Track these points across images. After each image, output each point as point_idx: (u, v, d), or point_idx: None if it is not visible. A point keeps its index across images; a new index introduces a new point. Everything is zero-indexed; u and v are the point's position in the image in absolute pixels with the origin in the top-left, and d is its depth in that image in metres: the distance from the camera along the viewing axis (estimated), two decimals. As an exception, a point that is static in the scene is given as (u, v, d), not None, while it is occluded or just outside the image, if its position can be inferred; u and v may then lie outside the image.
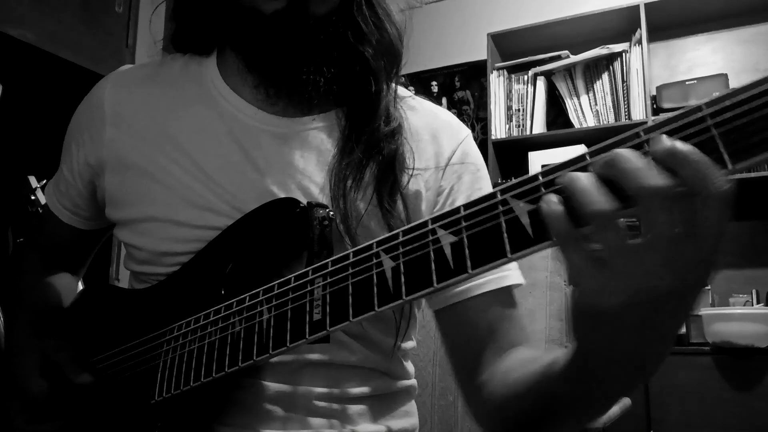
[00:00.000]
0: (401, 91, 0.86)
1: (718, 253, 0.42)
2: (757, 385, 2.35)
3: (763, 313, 2.43)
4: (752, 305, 2.71)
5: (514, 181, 0.46)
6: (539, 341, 1.15)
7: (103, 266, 2.60)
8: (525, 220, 0.44)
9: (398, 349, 0.82)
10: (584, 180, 0.42)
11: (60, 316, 0.90)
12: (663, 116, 0.42)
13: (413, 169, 0.78)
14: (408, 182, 0.77)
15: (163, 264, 0.78)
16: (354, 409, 0.76)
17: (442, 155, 0.82)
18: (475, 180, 0.83)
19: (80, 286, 1.15)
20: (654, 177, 0.39)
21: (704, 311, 2.54)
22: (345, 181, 0.74)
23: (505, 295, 0.79)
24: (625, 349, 0.50)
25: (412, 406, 0.87)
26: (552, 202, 0.42)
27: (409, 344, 0.87)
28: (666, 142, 0.40)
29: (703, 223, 0.40)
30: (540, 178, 0.44)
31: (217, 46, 0.85)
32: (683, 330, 2.57)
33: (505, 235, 0.44)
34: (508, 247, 0.44)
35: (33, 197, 1.48)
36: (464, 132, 0.87)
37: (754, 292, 2.76)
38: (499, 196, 0.46)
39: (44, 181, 0.96)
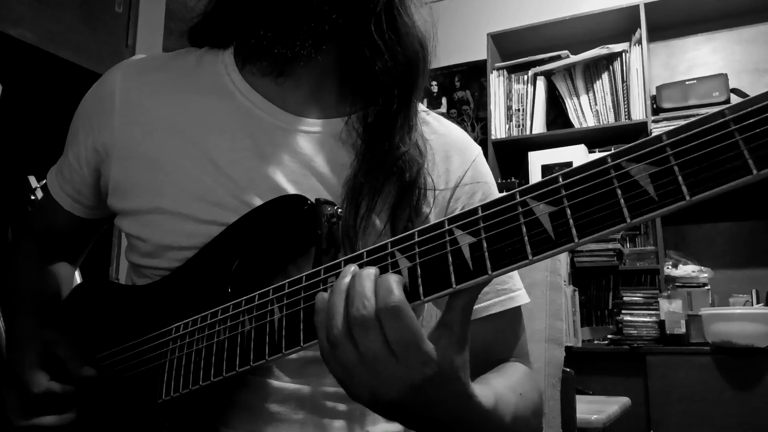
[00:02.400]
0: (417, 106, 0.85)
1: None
2: (757, 385, 2.35)
3: (763, 313, 2.43)
4: (752, 305, 2.71)
5: (533, 183, 0.46)
6: (539, 341, 1.15)
7: (103, 266, 2.59)
8: (546, 222, 0.43)
9: None
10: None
11: (60, 309, 0.89)
12: (672, 121, 0.42)
13: (435, 190, 0.78)
14: (425, 209, 0.77)
15: (166, 257, 0.76)
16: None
17: (453, 174, 0.81)
18: (487, 198, 0.82)
19: (78, 279, 1.13)
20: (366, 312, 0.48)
21: (704, 311, 2.55)
22: (359, 201, 0.73)
23: (509, 316, 0.79)
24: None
25: None
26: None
27: None
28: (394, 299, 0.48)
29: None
30: (561, 180, 0.44)
31: (235, 39, 0.83)
32: (683, 330, 2.58)
33: (526, 237, 0.44)
34: (529, 249, 0.44)
35: (33, 197, 1.47)
36: (476, 150, 0.86)
37: (754, 292, 2.77)
38: (518, 197, 0.46)
39: (44, 181, 0.95)
